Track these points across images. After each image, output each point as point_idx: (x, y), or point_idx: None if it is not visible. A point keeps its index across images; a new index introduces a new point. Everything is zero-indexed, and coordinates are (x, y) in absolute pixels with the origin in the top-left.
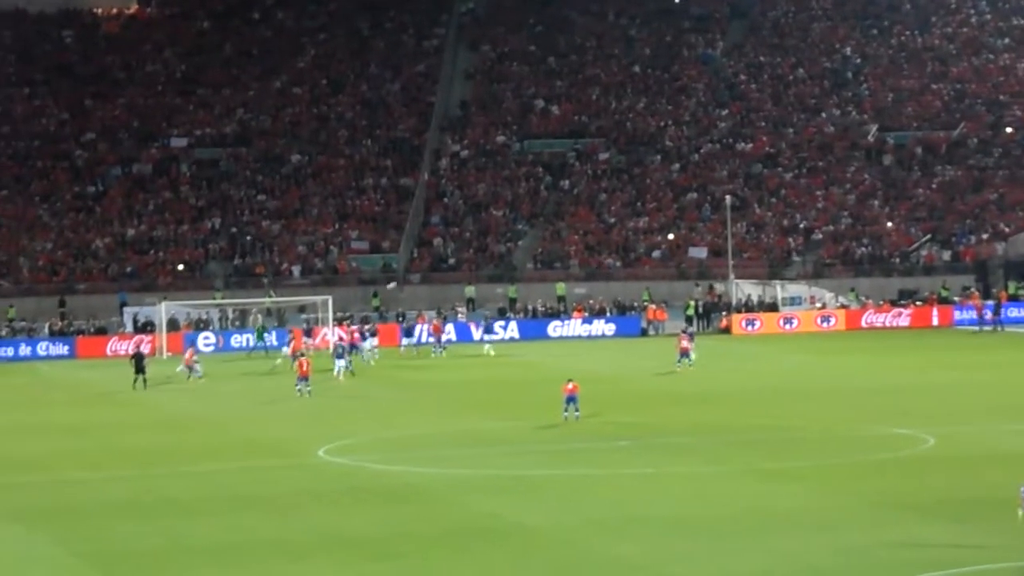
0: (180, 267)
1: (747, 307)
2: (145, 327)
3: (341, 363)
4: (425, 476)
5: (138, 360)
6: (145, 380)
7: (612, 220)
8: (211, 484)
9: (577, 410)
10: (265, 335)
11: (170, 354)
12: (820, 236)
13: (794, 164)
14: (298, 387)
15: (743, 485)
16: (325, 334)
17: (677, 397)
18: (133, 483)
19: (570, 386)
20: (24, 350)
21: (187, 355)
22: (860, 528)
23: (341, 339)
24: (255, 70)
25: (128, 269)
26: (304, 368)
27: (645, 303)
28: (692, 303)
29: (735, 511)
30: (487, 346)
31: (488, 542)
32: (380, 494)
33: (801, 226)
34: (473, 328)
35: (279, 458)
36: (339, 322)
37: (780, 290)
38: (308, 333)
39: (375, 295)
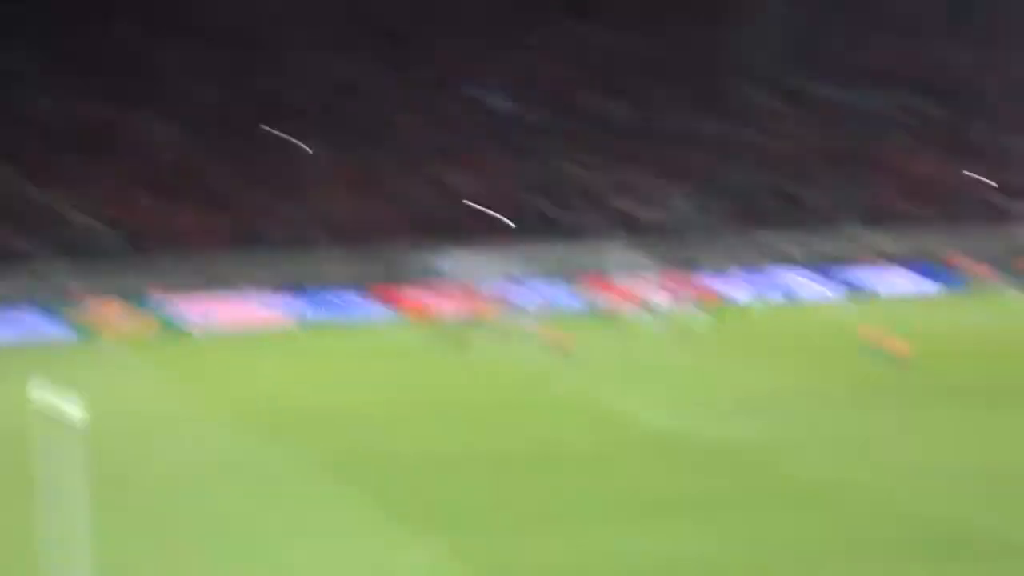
0: None
1: None
2: None
3: None
4: (739, 434)
5: None
6: None
7: (932, 173)
8: (532, 439)
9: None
10: None
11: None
12: None
13: None
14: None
15: None
16: None
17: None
18: (454, 436)
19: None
20: None
21: None
22: None
23: None
24: None
25: None
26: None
27: (964, 255)
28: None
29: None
30: None
31: (786, 502)
32: (695, 455)
33: None
34: None
35: (586, 413)
36: None
37: None
38: None
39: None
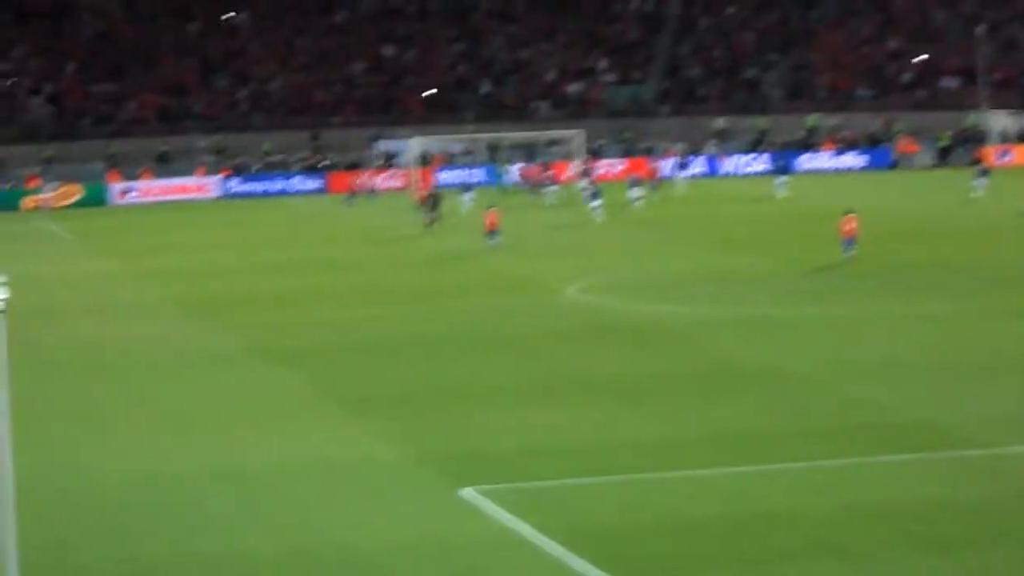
0: (428, 93)
1: (1002, 139)
2: (391, 159)
3: (597, 203)
4: (674, 315)
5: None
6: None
7: (862, 49)
8: (463, 323)
9: (851, 249)
10: (504, 172)
11: (421, 189)
12: None
13: None
14: (490, 242)
15: (996, 325)
16: (576, 168)
17: (927, 234)
18: (388, 322)
19: (847, 227)
20: (278, 185)
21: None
22: None
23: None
24: None
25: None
26: (492, 220)
27: (897, 133)
28: (946, 134)
29: (986, 352)
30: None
31: (735, 384)
32: (628, 334)
33: None
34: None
35: (530, 296)
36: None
37: None
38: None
39: (624, 129)
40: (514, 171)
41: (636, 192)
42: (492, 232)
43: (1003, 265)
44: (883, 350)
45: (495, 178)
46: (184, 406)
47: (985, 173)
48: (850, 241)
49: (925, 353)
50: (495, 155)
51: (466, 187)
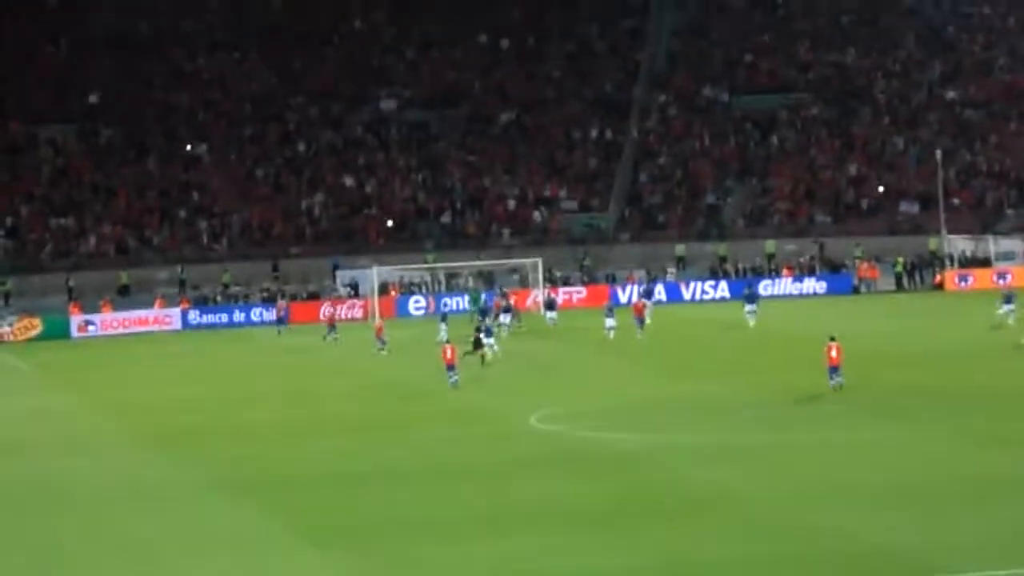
0: (390, 223)
1: (960, 263)
2: (355, 290)
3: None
4: (636, 443)
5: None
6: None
7: (821, 174)
8: (424, 453)
9: (838, 377)
10: (482, 297)
11: (382, 318)
12: None
13: (1006, 112)
14: (451, 378)
15: (958, 450)
16: (535, 296)
17: (890, 358)
18: (347, 454)
19: (833, 353)
20: (238, 316)
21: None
22: None
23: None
24: (462, 28)
25: (338, 230)
26: (449, 355)
27: (857, 259)
28: (900, 260)
29: (951, 477)
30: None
31: (697, 511)
32: (592, 463)
33: (1013, 174)
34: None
35: (491, 426)
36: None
37: (993, 245)
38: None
39: (584, 255)
40: (488, 298)
41: (611, 322)
42: (451, 367)
43: (970, 391)
44: (848, 476)
45: (472, 305)
46: (144, 540)
47: (1010, 300)
48: (835, 369)
49: (890, 479)
50: (453, 283)
51: (443, 316)
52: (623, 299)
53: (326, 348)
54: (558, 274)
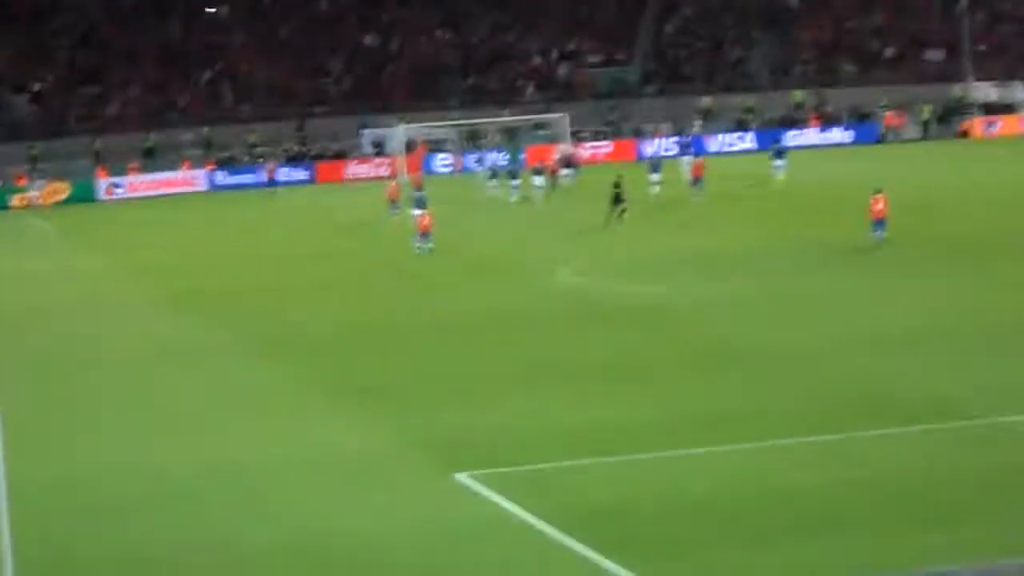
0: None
1: (987, 109)
2: (381, 148)
3: (538, 180)
4: (664, 296)
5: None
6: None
7: (846, 24)
8: (454, 308)
9: (882, 230)
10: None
11: (409, 175)
12: None
13: None
14: (417, 244)
15: (982, 296)
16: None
17: (915, 208)
18: (378, 311)
19: (879, 206)
20: (264, 176)
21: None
22: None
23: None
24: None
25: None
26: (426, 222)
27: (882, 108)
28: (926, 108)
29: (973, 324)
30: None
31: (729, 363)
32: (621, 315)
33: None
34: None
35: (520, 279)
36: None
37: (1021, 91)
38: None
39: (610, 110)
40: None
41: (656, 176)
42: (424, 235)
43: (996, 236)
44: (881, 323)
45: (510, 163)
46: (174, 401)
47: None
48: (880, 222)
49: (926, 325)
50: (479, 141)
51: (492, 172)
52: (648, 153)
53: (349, 207)
54: (584, 132)
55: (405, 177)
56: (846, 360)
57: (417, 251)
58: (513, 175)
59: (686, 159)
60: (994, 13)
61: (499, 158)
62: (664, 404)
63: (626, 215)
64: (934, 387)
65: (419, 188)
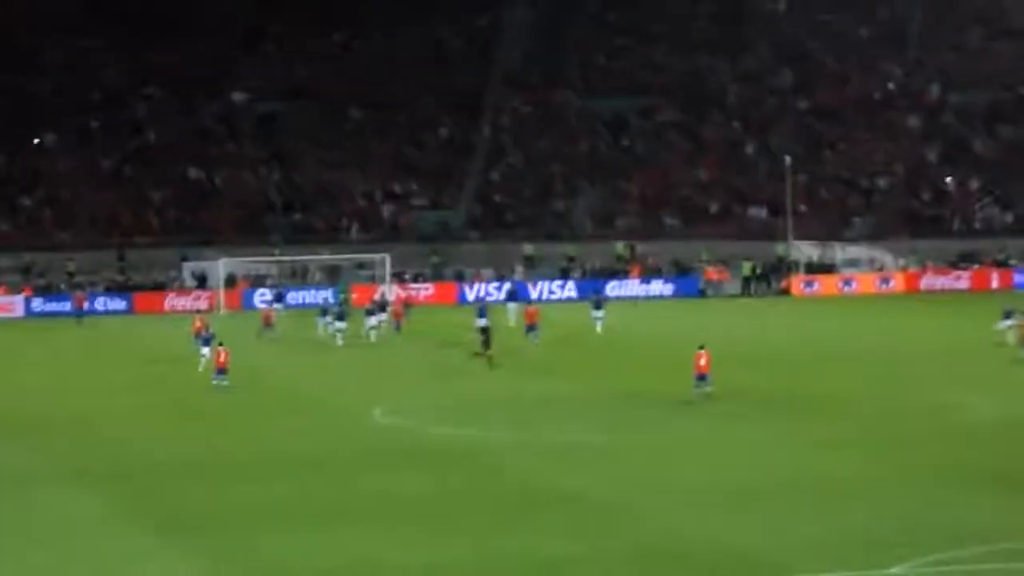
0: (238, 216)
1: (807, 269)
2: (202, 282)
3: (373, 321)
4: (480, 440)
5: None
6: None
7: (672, 178)
8: (268, 445)
9: (707, 385)
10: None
11: (227, 310)
12: (880, 195)
13: (855, 122)
14: (215, 380)
15: (796, 453)
16: (383, 292)
17: (731, 361)
18: (191, 443)
19: (703, 361)
20: (84, 304)
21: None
22: (913, 499)
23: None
24: (316, 24)
25: (186, 221)
26: (222, 358)
27: (704, 263)
28: (748, 264)
29: (788, 479)
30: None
31: (538, 509)
32: (434, 459)
33: (861, 183)
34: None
35: (336, 419)
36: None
37: (840, 251)
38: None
39: (434, 252)
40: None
41: (373, 320)
42: (221, 371)
43: (811, 394)
44: (692, 476)
45: (336, 299)
46: None
47: (1009, 315)
48: (703, 377)
49: (735, 479)
50: (304, 277)
51: (323, 311)
52: (470, 297)
53: (167, 336)
54: (406, 274)
55: (223, 312)
56: (659, 510)
57: (215, 385)
58: (340, 316)
59: (513, 305)
60: (816, 174)
61: (329, 295)
62: (472, 547)
63: (492, 359)
64: (751, 541)
65: (204, 328)
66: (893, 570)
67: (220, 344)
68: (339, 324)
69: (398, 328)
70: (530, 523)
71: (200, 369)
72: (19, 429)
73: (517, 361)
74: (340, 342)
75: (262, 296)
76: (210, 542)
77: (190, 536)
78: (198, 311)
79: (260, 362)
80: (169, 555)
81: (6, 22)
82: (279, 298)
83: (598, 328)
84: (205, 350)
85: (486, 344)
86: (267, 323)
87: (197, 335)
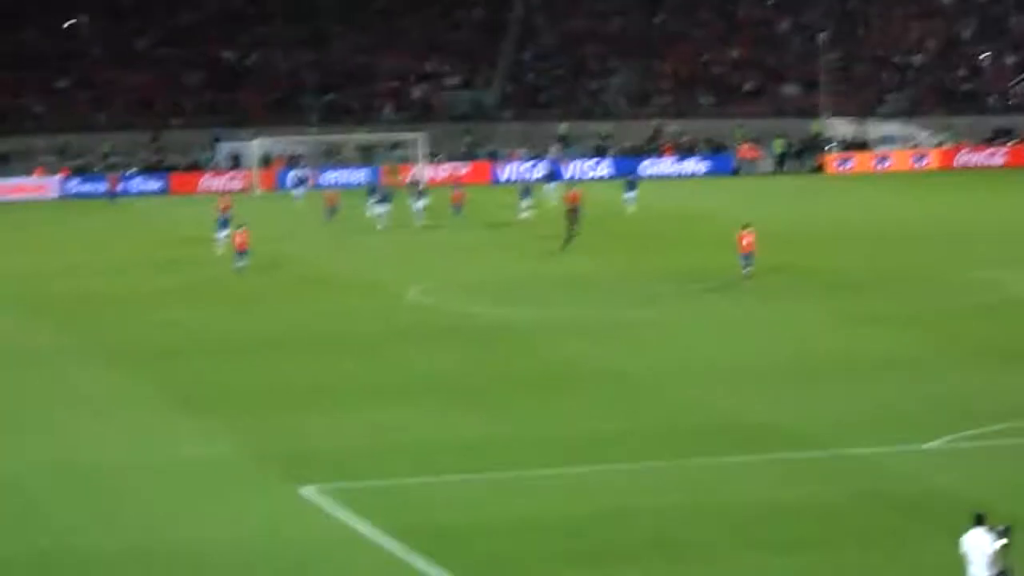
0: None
1: (841, 146)
2: (236, 162)
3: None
4: (515, 318)
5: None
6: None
7: (705, 56)
8: (305, 325)
9: (749, 265)
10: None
11: (262, 190)
12: (914, 72)
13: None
14: (235, 263)
15: (833, 329)
16: (415, 173)
17: (768, 238)
18: (229, 322)
19: (745, 241)
20: (118, 186)
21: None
22: (951, 375)
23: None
24: None
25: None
26: (239, 240)
27: (738, 140)
28: (780, 141)
29: (825, 356)
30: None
31: (575, 386)
32: (469, 335)
33: (895, 60)
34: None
35: (371, 298)
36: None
37: (874, 128)
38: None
39: (467, 132)
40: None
41: (526, 202)
42: (241, 253)
43: (850, 271)
44: (728, 353)
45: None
46: (20, 403)
47: None
48: (748, 256)
49: (770, 357)
50: (337, 158)
51: (371, 189)
52: (504, 177)
53: (200, 217)
54: (440, 154)
55: (258, 191)
56: (695, 387)
57: (235, 271)
58: (385, 198)
59: (552, 185)
60: (850, 51)
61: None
62: (509, 424)
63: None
64: (775, 417)
65: (227, 210)
66: (928, 444)
67: (239, 227)
68: (379, 208)
69: (459, 211)
70: (565, 400)
71: (218, 252)
72: (52, 306)
73: (555, 242)
74: (380, 226)
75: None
76: (234, 420)
77: (229, 415)
78: (224, 193)
79: (298, 244)
80: (209, 433)
81: None
82: (301, 182)
83: (629, 209)
84: (222, 233)
85: (573, 224)
86: (331, 206)
87: (224, 212)
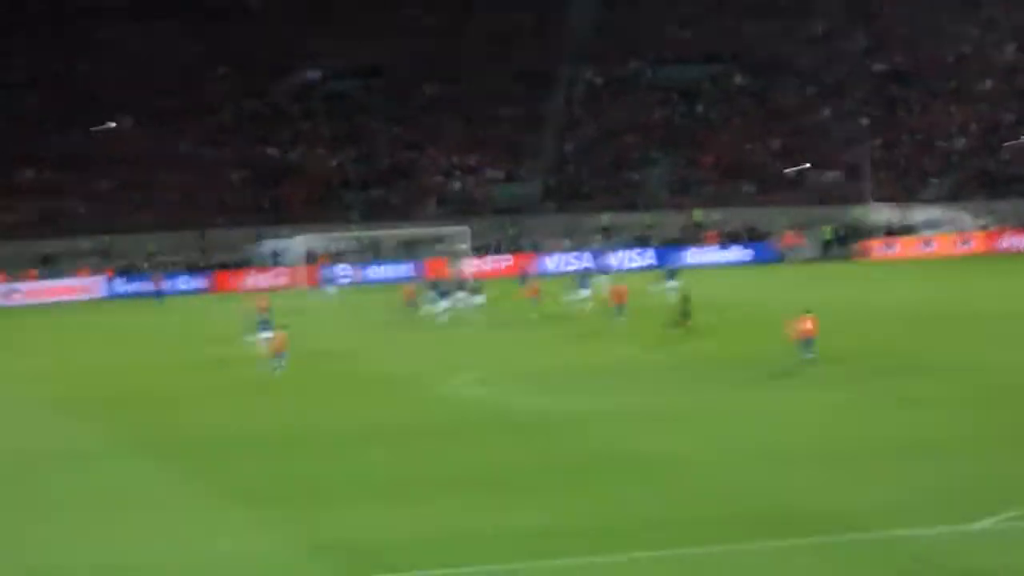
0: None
1: (886, 231)
2: (278, 258)
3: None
4: (557, 407)
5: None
6: None
7: (746, 145)
8: (348, 417)
9: (810, 350)
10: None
11: (307, 286)
12: (956, 156)
13: (930, 83)
14: (272, 364)
15: (878, 412)
16: (458, 268)
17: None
18: (264, 418)
19: (808, 325)
20: (163, 285)
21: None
22: (996, 455)
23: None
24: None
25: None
26: (277, 343)
27: (781, 228)
28: (828, 228)
29: (871, 438)
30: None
31: (621, 473)
32: (512, 426)
33: (937, 144)
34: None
35: (411, 390)
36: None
37: (918, 213)
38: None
39: (511, 224)
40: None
41: (585, 292)
42: (279, 355)
43: (893, 354)
44: (774, 438)
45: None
46: (66, 502)
47: None
48: (809, 342)
49: (814, 440)
50: (380, 251)
51: (432, 284)
52: (551, 267)
53: (242, 315)
54: (482, 247)
55: (305, 287)
56: (742, 472)
57: (272, 371)
58: (444, 293)
59: (601, 279)
60: (891, 137)
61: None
62: (556, 513)
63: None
64: (828, 500)
65: (265, 311)
66: (978, 525)
67: (278, 328)
68: (442, 304)
69: (620, 312)
70: (611, 487)
71: (256, 352)
72: (98, 406)
73: (602, 332)
74: (440, 320)
75: (343, 271)
76: (285, 513)
77: (264, 508)
78: (263, 292)
79: (327, 339)
80: (244, 526)
81: (83, 4)
82: (330, 280)
83: (672, 298)
84: (262, 335)
85: (685, 314)
86: (409, 300)
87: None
